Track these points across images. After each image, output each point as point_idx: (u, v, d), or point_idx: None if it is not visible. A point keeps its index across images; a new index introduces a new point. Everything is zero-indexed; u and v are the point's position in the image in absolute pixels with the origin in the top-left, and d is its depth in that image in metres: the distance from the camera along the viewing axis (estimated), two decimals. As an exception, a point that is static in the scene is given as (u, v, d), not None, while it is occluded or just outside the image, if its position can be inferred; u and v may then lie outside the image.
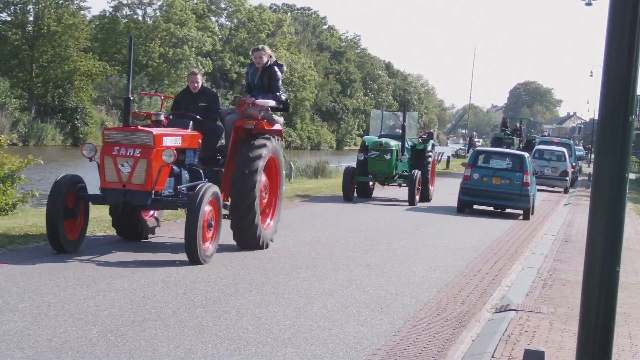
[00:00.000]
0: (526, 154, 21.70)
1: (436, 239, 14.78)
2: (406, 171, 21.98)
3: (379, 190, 24.39)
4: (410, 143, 22.77)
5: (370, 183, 22.46)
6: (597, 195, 4.06)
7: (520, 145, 42.63)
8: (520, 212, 20.76)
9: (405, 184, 21.71)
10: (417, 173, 21.22)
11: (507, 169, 20.59)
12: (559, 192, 32.75)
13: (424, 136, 24.10)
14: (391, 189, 24.78)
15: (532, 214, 20.81)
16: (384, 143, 21.29)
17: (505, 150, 24.21)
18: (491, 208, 20.98)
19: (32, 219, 13.23)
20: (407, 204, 21.11)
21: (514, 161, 20.77)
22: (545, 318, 8.49)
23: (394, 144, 21.50)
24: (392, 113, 26.69)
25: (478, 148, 25.59)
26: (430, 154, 23.07)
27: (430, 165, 22.84)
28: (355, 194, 21.80)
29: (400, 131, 22.34)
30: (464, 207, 20.57)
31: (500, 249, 14.17)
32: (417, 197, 21.15)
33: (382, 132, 23.88)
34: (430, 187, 22.79)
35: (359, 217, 17.56)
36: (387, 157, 21.19)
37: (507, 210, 21.11)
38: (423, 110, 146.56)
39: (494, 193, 20.19)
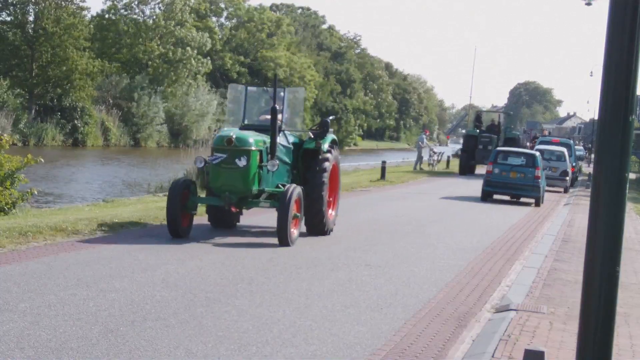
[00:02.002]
0: (537, 153, 26.71)
1: (436, 239, 14.78)
2: (284, 185, 13.27)
3: (252, 215, 15.09)
4: (292, 139, 14.15)
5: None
6: (597, 195, 4.06)
7: (499, 144, 38.80)
8: (532, 200, 25.07)
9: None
10: (293, 190, 12.47)
11: (522, 165, 25.00)
12: (559, 192, 32.74)
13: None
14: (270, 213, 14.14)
15: (542, 202, 25.14)
16: (235, 139, 12.39)
17: (520, 150, 28.21)
18: (507, 197, 25.37)
19: (32, 219, 13.24)
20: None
21: (527, 159, 25.36)
22: (545, 318, 8.49)
23: (255, 140, 12.60)
24: (262, 90, 15.49)
25: (498, 148, 28.65)
26: (327, 159, 13.75)
27: (325, 177, 13.57)
28: (209, 221, 13.89)
29: (279, 120, 13.32)
30: (487, 197, 25.00)
31: (500, 249, 14.17)
32: (296, 230, 12.69)
33: (247, 122, 14.17)
34: (328, 212, 13.88)
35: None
36: (241, 162, 12.36)
37: (508, 211, 21.55)
38: (423, 110, 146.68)
39: (511, 185, 24.73)
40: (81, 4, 60.06)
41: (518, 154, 26.06)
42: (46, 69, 55.88)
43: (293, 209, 12.44)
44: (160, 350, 6.40)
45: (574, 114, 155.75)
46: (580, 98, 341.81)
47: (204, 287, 8.85)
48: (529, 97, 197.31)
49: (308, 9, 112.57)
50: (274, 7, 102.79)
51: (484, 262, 12.41)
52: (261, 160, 12.72)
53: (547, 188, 32.55)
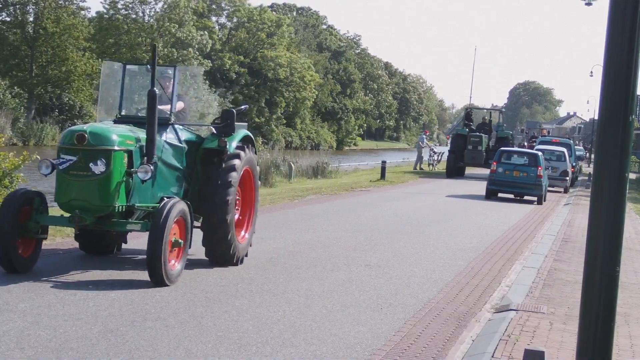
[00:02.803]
0: (540, 153, 27.45)
1: (436, 239, 14.78)
2: (169, 198, 9.33)
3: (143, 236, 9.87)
4: (186, 136, 10.38)
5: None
6: (597, 195, 4.07)
7: (490, 144, 37.26)
8: (534, 199, 25.75)
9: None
10: (171, 206, 8.78)
11: (525, 164, 25.87)
12: (559, 192, 32.73)
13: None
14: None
15: (544, 200, 26.00)
16: (89, 135, 8.81)
17: (523, 150, 29.43)
18: (511, 196, 26.27)
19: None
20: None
21: (530, 158, 26.25)
22: (545, 318, 8.49)
23: (120, 137, 9.09)
24: (146, 69, 10.69)
25: (502, 148, 29.04)
26: (233, 166, 10.17)
27: (230, 194, 10.02)
28: (80, 248, 10.44)
29: (167, 109, 10.15)
30: (491, 195, 25.98)
31: (500, 249, 14.17)
32: (178, 263, 9.04)
33: (124, 113, 10.60)
34: (240, 235, 10.66)
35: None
36: (98, 167, 8.81)
37: (508, 211, 21.52)
38: (423, 110, 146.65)
39: (514, 183, 25.62)
40: (81, 4, 60.23)
41: (521, 154, 27.16)
42: (46, 69, 55.91)
43: (171, 234, 8.78)
44: (160, 350, 6.40)
45: (574, 114, 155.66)
46: (580, 98, 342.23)
47: (204, 287, 8.85)
48: (529, 97, 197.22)
49: (308, 9, 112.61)
50: (274, 7, 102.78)
51: (484, 262, 12.40)
52: (130, 165, 9.13)
53: (548, 188, 32.69)
